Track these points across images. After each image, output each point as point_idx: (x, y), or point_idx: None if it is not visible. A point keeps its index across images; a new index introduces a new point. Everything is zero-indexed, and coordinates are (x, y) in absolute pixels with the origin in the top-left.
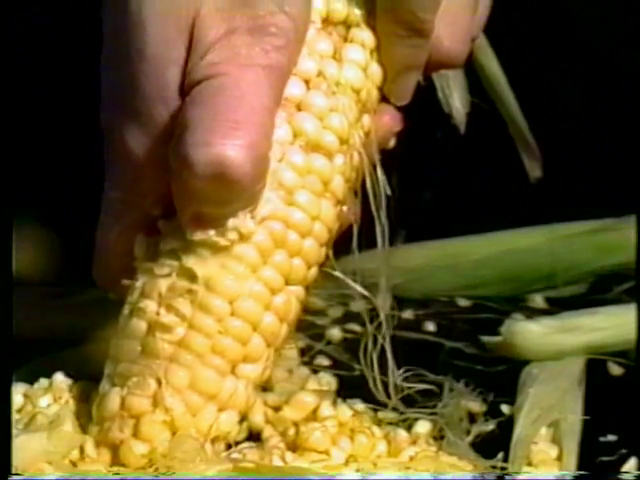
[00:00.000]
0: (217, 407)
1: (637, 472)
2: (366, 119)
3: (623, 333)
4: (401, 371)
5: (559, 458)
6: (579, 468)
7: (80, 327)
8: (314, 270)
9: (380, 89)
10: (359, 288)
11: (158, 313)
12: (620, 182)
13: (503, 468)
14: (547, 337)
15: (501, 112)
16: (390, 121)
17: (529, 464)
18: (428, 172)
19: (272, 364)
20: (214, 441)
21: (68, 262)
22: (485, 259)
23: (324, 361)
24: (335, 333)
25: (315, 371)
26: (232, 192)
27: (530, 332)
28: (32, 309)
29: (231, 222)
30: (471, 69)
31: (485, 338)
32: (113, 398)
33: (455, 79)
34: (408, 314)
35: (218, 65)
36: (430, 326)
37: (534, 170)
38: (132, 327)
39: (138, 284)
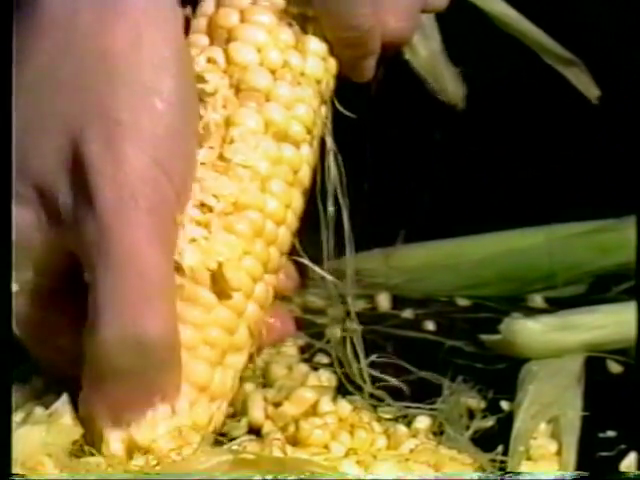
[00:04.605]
0: (209, 398)
1: (636, 472)
2: (323, 109)
3: (622, 331)
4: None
5: (558, 453)
6: (578, 463)
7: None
8: (284, 258)
9: (335, 78)
10: (324, 273)
11: None
12: (620, 182)
13: (502, 462)
14: (546, 335)
15: (529, 45)
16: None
17: (528, 459)
18: (428, 172)
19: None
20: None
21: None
22: (485, 259)
23: (323, 359)
24: (335, 332)
25: (315, 369)
26: (151, 363)
27: (530, 330)
28: None
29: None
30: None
31: (485, 336)
32: None
33: (437, 62)
34: (408, 313)
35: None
36: (430, 325)
37: (590, 90)
38: None
39: None
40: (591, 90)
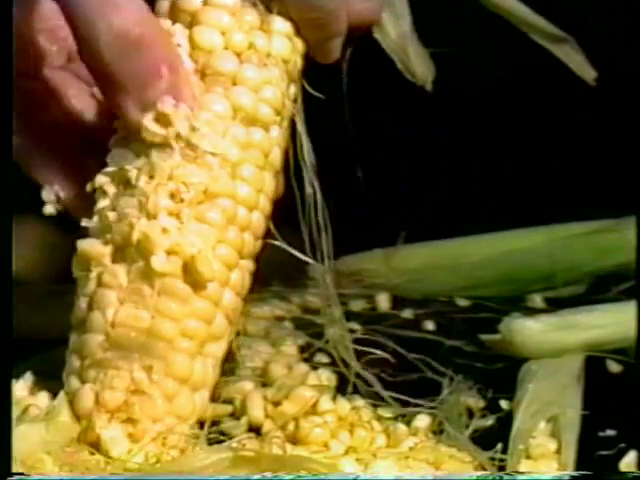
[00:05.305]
0: (191, 389)
1: (636, 471)
2: (292, 88)
3: (622, 330)
4: None
5: (558, 452)
6: (578, 462)
7: None
8: (260, 242)
9: (304, 57)
10: (300, 255)
11: (122, 303)
12: (620, 182)
13: (502, 460)
14: (546, 334)
15: (516, 24)
16: None
17: (528, 457)
18: (428, 172)
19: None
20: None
21: (68, 260)
22: (485, 260)
23: (323, 358)
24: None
25: (315, 368)
26: (141, 55)
27: (529, 329)
28: (32, 307)
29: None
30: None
31: (484, 336)
32: (86, 395)
33: (406, 43)
34: (408, 313)
35: None
36: (430, 325)
37: (585, 70)
38: (94, 320)
39: (93, 275)
40: (586, 70)
